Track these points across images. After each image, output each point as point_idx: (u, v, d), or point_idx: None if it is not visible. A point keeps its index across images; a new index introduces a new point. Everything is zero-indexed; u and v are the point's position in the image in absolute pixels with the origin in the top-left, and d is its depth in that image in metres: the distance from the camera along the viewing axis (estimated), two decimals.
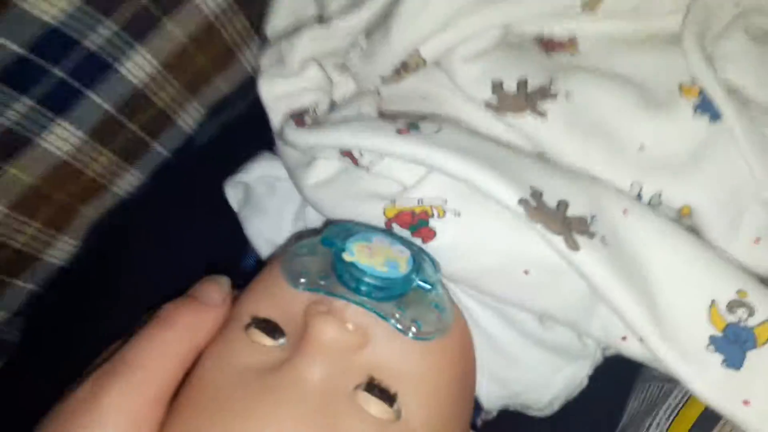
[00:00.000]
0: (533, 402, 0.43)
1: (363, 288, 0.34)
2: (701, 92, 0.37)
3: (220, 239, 0.52)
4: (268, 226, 0.48)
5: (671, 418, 0.42)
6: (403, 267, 0.35)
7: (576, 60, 0.43)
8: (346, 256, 0.35)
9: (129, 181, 0.52)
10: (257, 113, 0.54)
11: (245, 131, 0.56)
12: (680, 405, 0.42)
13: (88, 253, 0.51)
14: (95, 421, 0.31)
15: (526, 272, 0.36)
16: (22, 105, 0.44)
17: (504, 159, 0.36)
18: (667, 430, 0.41)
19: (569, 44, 0.44)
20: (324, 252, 0.37)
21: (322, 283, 0.35)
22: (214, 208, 0.52)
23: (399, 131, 0.37)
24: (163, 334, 0.34)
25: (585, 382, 0.43)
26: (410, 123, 0.38)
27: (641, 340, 0.34)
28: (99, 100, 0.46)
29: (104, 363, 0.33)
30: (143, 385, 0.32)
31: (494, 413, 0.46)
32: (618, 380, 0.48)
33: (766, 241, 0.36)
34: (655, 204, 0.38)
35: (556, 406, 0.44)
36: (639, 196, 0.38)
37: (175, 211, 0.53)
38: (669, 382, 0.45)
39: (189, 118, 0.53)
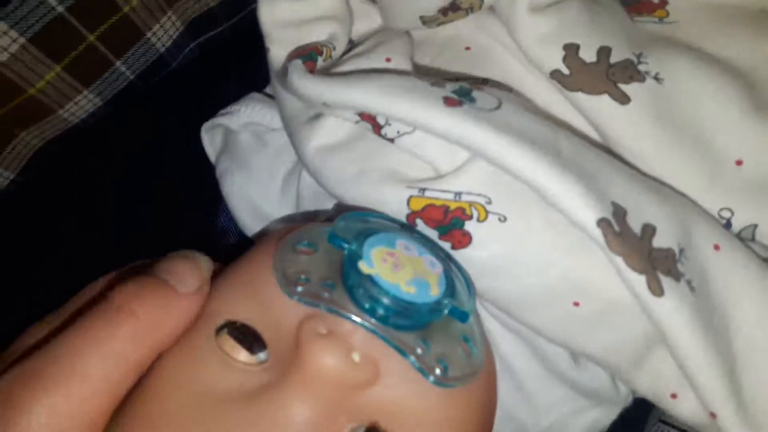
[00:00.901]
0: None
1: (380, 311, 0.26)
2: None
3: (187, 190, 0.43)
4: (251, 185, 0.39)
5: None
6: (434, 288, 0.27)
7: (667, 30, 0.34)
8: (364, 267, 0.26)
9: (83, 105, 0.41)
10: (248, 37, 0.44)
11: (231, 60, 0.46)
12: None
13: (23, 190, 0.41)
14: None
15: (576, 304, 0.29)
16: None
17: (581, 157, 0.28)
18: None
19: (659, 5, 0.34)
20: (330, 253, 0.28)
21: (326, 295, 0.26)
22: (184, 152, 0.42)
23: (446, 100, 0.28)
24: (114, 329, 0.25)
25: (606, 428, 0.36)
26: (462, 89, 0.29)
27: (713, 415, 0.27)
28: None
29: (31, 354, 0.25)
30: (79, 400, 0.24)
31: None
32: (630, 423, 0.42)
33: None
34: (746, 238, 0.30)
35: None
36: (728, 225, 0.30)
37: (137, 149, 0.43)
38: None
39: (162, 33, 0.42)
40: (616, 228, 0.26)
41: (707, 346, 0.26)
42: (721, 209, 0.30)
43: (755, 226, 0.30)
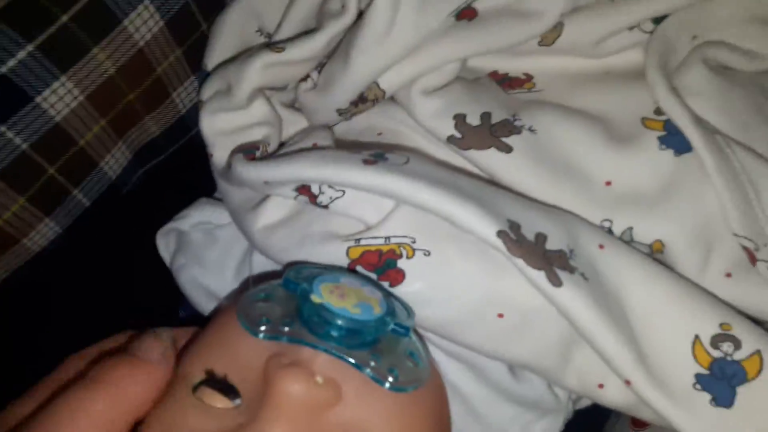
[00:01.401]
0: None
1: (334, 333, 0.31)
2: (665, 125, 0.37)
3: (149, 294, 0.46)
4: (206, 277, 0.44)
5: None
6: (377, 308, 0.32)
7: (535, 96, 0.42)
8: (315, 298, 0.31)
9: (44, 233, 0.45)
10: (189, 160, 0.51)
11: (175, 179, 0.52)
12: None
13: None
14: None
15: (500, 316, 0.34)
16: None
17: (477, 190, 0.34)
18: None
19: (525, 80, 0.43)
20: (285, 297, 0.33)
21: (286, 329, 0.31)
22: (143, 261, 0.47)
23: (365, 161, 0.34)
24: (90, 394, 0.28)
25: None
26: (376, 153, 0.36)
27: (628, 383, 0.32)
28: (11, 135, 0.41)
29: (18, 425, 0.28)
30: None
31: None
32: None
33: (737, 276, 0.35)
34: (626, 240, 0.36)
35: None
36: (610, 232, 0.37)
37: (98, 265, 0.47)
38: None
39: (114, 162, 0.48)
40: (513, 237, 0.32)
41: (608, 322, 0.31)
42: (602, 220, 0.37)
43: (631, 228, 0.36)
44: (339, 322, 0.30)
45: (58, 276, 0.46)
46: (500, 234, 0.32)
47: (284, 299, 0.33)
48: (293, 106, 0.46)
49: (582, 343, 0.34)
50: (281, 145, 0.43)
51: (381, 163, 0.34)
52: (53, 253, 0.47)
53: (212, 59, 0.45)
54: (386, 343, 0.32)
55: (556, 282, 0.31)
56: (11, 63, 0.40)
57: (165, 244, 0.46)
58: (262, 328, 0.31)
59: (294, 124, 0.44)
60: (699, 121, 0.36)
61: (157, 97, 0.49)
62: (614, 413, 0.47)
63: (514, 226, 0.33)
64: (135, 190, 0.51)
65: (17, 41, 0.39)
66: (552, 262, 0.32)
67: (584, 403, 0.42)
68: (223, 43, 0.46)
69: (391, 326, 0.32)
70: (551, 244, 0.33)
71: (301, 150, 0.39)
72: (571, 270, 0.32)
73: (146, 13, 0.45)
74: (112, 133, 0.47)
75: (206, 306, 0.44)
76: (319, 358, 0.31)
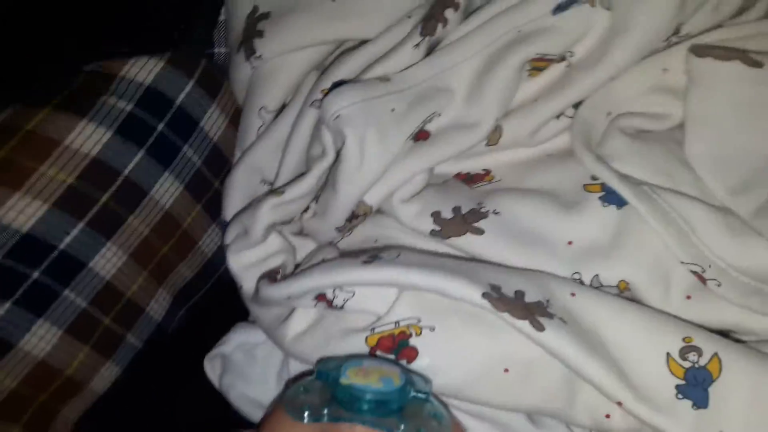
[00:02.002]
0: None
1: (365, 406, 0.37)
2: (603, 187, 0.45)
3: (208, 418, 0.52)
4: (252, 390, 0.50)
5: None
6: (396, 380, 0.38)
7: (495, 186, 0.50)
8: (343, 381, 0.38)
9: (106, 376, 0.53)
10: (221, 293, 0.58)
11: (212, 312, 0.59)
12: None
13: None
14: None
15: (506, 371, 0.40)
16: (3, 309, 0.46)
17: (459, 266, 0.42)
18: None
19: (485, 175, 0.51)
20: (320, 386, 0.39)
21: (325, 411, 0.37)
22: (195, 389, 0.53)
23: (364, 263, 0.42)
24: None
25: None
26: (372, 255, 0.44)
27: (620, 404, 0.38)
28: (73, 296, 0.49)
29: None
30: None
31: None
32: None
33: (695, 297, 0.42)
34: (596, 285, 0.43)
35: None
36: (581, 282, 0.43)
37: (156, 398, 0.53)
38: None
39: (158, 306, 0.56)
40: (496, 296, 0.39)
41: (590, 355, 0.37)
42: (573, 273, 0.43)
43: (597, 275, 0.43)
44: (367, 396, 0.37)
45: (122, 412, 0.53)
46: (485, 295, 0.38)
47: (319, 389, 0.39)
48: (301, 233, 0.54)
49: (583, 382, 0.39)
50: (296, 266, 0.51)
51: (377, 261, 0.42)
52: (117, 392, 0.53)
53: (228, 211, 0.54)
54: (411, 410, 0.38)
55: (540, 327, 0.38)
56: (67, 240, 0.49)
57: (212, 368, 0.52)
58: (306, 413, 0.37)
59: (304, 247, 0.52)
60: (625, 178, 0.44)
61: (187, 246, 0.58)
62: None
63: (495, 288, 0.39)
64: (179, 328, 0.58)
65: (71, 221, 0.49)
66: (533, 312, 0.38)
67: None
68: (234, 197, 0.54)
69: (412, 393, 0.38)
70: (529, 298, 0.40)
71: (312, 265, 0.46)
72: (550, 316, 0.39)
73: (167, 183, 0.54)
74: (153, 282, 0.55)
75: (256, 416, 0.49)
76: (356, 429, 0.37)
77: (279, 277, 0.47)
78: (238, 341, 0.52)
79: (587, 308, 0.40)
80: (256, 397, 0.50)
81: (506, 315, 0.38)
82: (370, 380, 0.38)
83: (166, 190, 0.54)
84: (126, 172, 0.52)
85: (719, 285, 0.41)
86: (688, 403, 0.37)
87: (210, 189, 0.58)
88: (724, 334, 0.40)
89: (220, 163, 0.58)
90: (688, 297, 0.42)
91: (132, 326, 0.54)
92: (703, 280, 0.42)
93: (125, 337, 0.53)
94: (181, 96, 0.55)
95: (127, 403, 0.54)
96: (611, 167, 0.44)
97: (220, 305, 0.58)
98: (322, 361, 0.41)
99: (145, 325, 0.55)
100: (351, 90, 0.45)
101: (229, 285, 0.51)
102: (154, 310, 0.56)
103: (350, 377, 0.38)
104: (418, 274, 0.40)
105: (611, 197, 0.45)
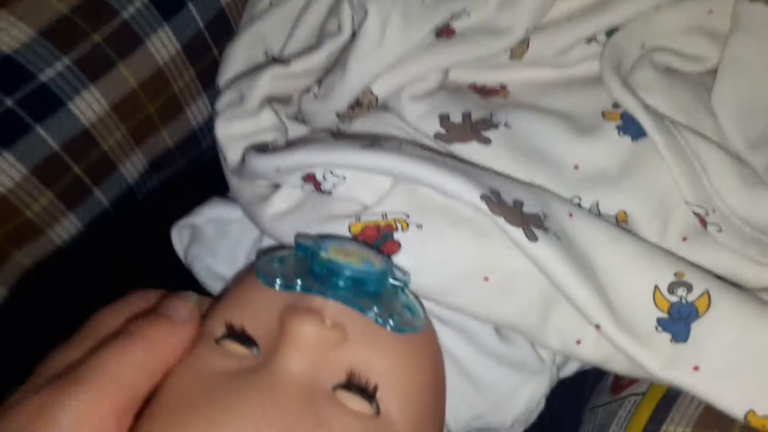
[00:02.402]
0: (498, 423, 0.43)
1: (341, 283, 0.35)
2: (622, 116, 0.43)
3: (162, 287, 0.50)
4: (219, 265, 0.48)
5: (623, 426, 0.43)
6: (378, 264, 0.36)
7: (509, 101, 0.48)
8: (323, 255, 0.36)
9: (66, 227, 0.50)
10: (201, 172, 0.56)
11: (187, 187, 0.57)
12: (630, 413, 0.44)
13: (16, 302, 0.48)
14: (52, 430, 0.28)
15: (486, 279, 0.39)
16: None
17: (461, 167, 0.40)
18: None
19: (501, 89, 0.49)
20: (297, 260, 0.37)
21: (299, 281, 0.35)
22: (158, 259, 0.51)
23: (363, 146, 0.40)
24: (131, 346, 0.32)
25: (543, 403, 0.44)
26: (371, 141, 0.41)
27: (598, 327, 0.36)
28: (46, 136, 0.46)
29: (60, 371, 0.31)
30: (109, 393, 0.29)
31: None
32: (567, 413, 0.50)
33: (692, 239, 0.41)
34: (594, 212, 0.42)
35: (517, 431, 0.44)
36: (579, 207, 0.42)
37: (115, 263, 0.51)
38: (615, 402, 0.47)
39: (132, 167, 0.53)
40: (494, 200, 0.37)
41: (578, 274, 0.36)
42: (572, 197, 0.42)
43: (597, 202, 0.42)
44: (345, 273, 0.35)
45: (77, 271, 0.50)
46: (483, 197, 0.37)
47: (295, 262, 0.37)
48: (297, 118, 0.51)
49: (560, 304, 0.38)
50: None
51: (377, 146, 0.40)
52: (73, 251, 0.51)
53: (224, 77, 0.51)
54: (387, 296, 0.36)
55: (533, 237, 0.36)
56: (50, 73, 0.45)
57: (179, 237, 0.50)
58: (278, 280, 0.35)
59: (298, 132, 0.50)
60: (649, 109, 0.42)
61: (173, 111, 0.54)
62: (595, 389, 0.51)
63: (495, 193, 0.38)
64: (149, 196, 0.55)
65: (56, 54, 0.45)
66: (528, 221, 0.37)
67: (567, 371, 0.46)
68: (233, 65, 0.51)
69: (391, 280, 0.36)
70: (527, 209, 0.38)
71: (307, 142, 0.44)
72: (546, 230, 0.37)
73: (164, 37, 0.51)
74: (131, 140, 0.52)
75: (218, 289, 0.48)
76: (328, 304, 0.35)
77: (269, 150, 0.45)
78: (212, 215, 0.49)
79: (582, 231, 0.39)
80: (222, 273, 0.47)
81: (501, 220, 0.36)
82: (351, 259, 0.36)
83: (163, 44, 0.51)
84: (125, 14, 0.48)
85: (720, 230, 0.40)
86: (666, 336, 0.36)
87: (208, 55, 0.55)
88: None
89: (223, 30, 0.55)
90: (684, 239, 0.41)
91: (101, 182, 0.51)
92: (704, 224, 0.41)
93: (93, 191, 0.51)
94: None
95: (83, 262, 0.51)
96: (637, 95, 0.43)
97: (197, 183, 0.55)
98: (301, 236, 0.39)
99: (115, 184, 0.52)
100: None
101: (210, 163, 0.49)
102: (127, 170, 0.53)
103: (330, 253, 0.36)
104: (418, 165, 0.38)
105: (629, 128, 0.43)
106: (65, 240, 0.50)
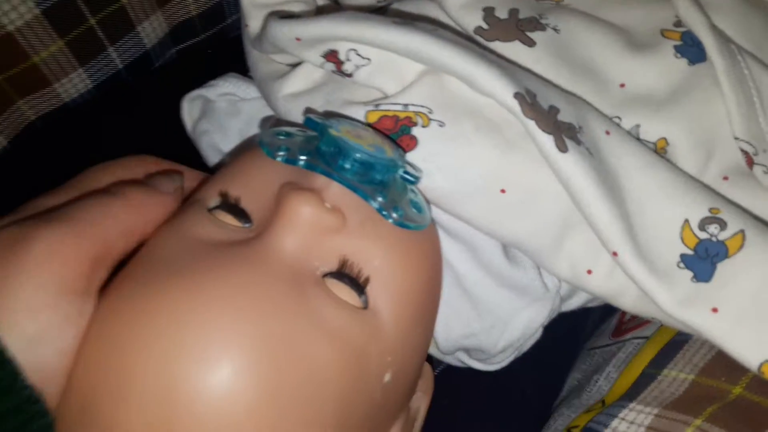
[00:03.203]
0: (488, 346, 0.41)
1: (347, 165, 0.32)
2: (682, 36, 0.39)
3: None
4: (226, 144, 0.46)
5: (621, 367, 0.41)
6: (390, 152, 0.33)
7: (563, 5, 0.44)
8: (333, 131, 0.33)
9: (75, 83, 0.47)
10: (223, 47, 0.52)
11: (206, 63, 0.54)
12: (630, 356, 0.42)
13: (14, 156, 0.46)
14: (24, 265, 0.26)
15: (503, 191, 0.36)
16: None
17: (499, 62, 0.36)
18: (618, 377, 0.41)
19: None
20: (305, 137, 0.34)
21: (303, 157, 0.33)
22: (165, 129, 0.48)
23: (395, 22, 0.36)
24: (111, 201, 0.30)
25: (539, 333, 0.42)
26: (405, 20, 0.38)
27: (615, 254, 0.34)
28: None
29: (41, 212, 0.29)
30: (83, 236, 0.28)
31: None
32: (563, 351, 0.48)
33: (733, 179, 0.37)
34: (633, 135, 0.38)
35: (506, 357, 0.42)
36: (618, 126, 0.38)
37: (119, 134, 0.49)
38: (615, 344, 0.45)
39: (150, 29, 0.50)
40: (529, 101, 0.34)
41: (604, 194, 0.33)
42: (613, 117, 0.38)
43: (638, 125, 0.38)
44: (354, 154, 0.32)
45: (85, 132, 0.48)
46: (517, 95, 0.33)
47: (303, 138, 0.34)
48: None
49: (578, 228, 0.35)
50: None
51: (408, 25, 0.36)
52: (82, 108, 0.49)
53: None
54: (394, 188, 0.34)
55: (563, 148, 0.33)
56: None
57: (189, 109, 0.47)
58: (281, 153, 0.32)
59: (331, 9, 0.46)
60: (715, 29, 0.38)
61: None
62: (595, 331, 0.49)
63: (530, 94, 0.34)
64: (166, 65, 0.52)
65: None
66: (561, 130, 0.34)
67: (571, 305, 0.43)
68: None
69: (401, 171, 0.34)
70: (563, 117, 0.35)
71: (334, 13, 0.40)
72: (579, 142, 0.34)
73: None
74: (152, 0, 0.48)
75: None
76: (330, 186, 0.32)
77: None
78: (226, 89, 0.47)
79: (617, 151, 0.36)
80: (229, 152, 0.45)
81: (532, 124, 0.33)
82: (362, 142, 0.33)
83: None
84: None
85: (767, 173, 0.36)
86: (688, 274, 0.33)
87: None
88: None
89: None
90: (725, 178, 0.38)
91: (118, 40, 0.48)
92: (750, 163, 0.37)
93: (107, 49, 0.48)
94: None
95: (91, 123, 0.49)
96: (704, 12, 0.38)
97: (216, 57, 0.52)
98: (312, 113, 0.36)
99: (132, 45, 0.49)
100: None
101: (234, 41, 0.45)
102: (146, 32, 0.50)
103: (341, 132, 0.33)
104: (451, 51, 0.34)
105: (688, 50, 0.39)
106: (73, 97, 0.48)
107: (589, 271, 0.36)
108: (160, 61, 0.53)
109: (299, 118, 0.39)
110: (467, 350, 0.43)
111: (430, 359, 0.44)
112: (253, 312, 0.28)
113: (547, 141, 0.33)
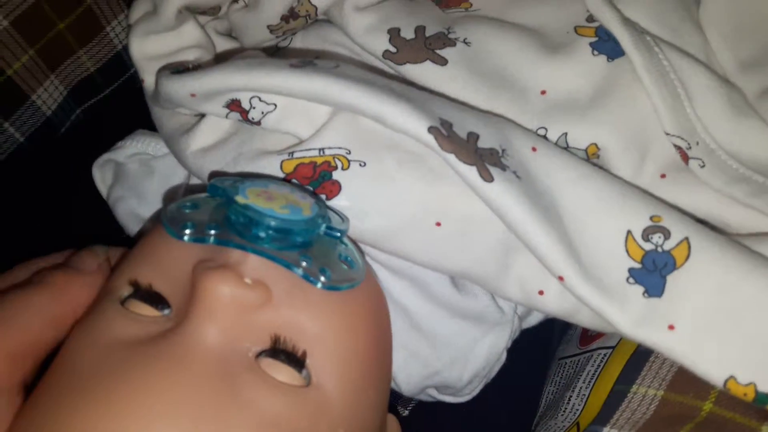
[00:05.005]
0: (454, 380, 0.39)
1: (261, 234, 0.30)
2: (597, 31, 0.37)
3: (88, 228, 0.45)
4: (144, 209, 0.43)
5: (591, 383, 0.40)
6: (306, 211, 0.31)
7: (471, 14, 0.42)
8: (239, 199, 0.30)
9: None
10: (128, 100, 0.49)
11: (115, 119, 0.50)
12: (599, 369, 0.40)
13: None
14: None
15: (438, 224, 0.34)
16: None
17: (408, 92, 0.34)
18: (589, 395, 0.39)
19: (463, 0, 0.43)
20: (214, 206, 0.32)
21: (212, 232, 0.30)
22: (80, 197, 0.45)
23: (292, 65, 0.34)
24: (33, 291, 0.30)
25: (504, 357, 0.40)
26: (304, 61, 0.35)
27: (561, 279, 0.32)
28: None
29: None
30: (2, 333, 0.28)
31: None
32: (533, 366, 0.46)
33: (671, 176, 0.36)
34: (562, 145, 0.36)
35: (475, 388, 0.40)
36: (546, 139, 0.37)
37: (35, 201, 0.46)
38: (584, 354, 0.43)
39: (47, 96, 0.47)
40: (445, 133, 0.31)
41: (539, 218, 0.31)
42: (538, 128, 0.36)
43: (566, 134, 0.36)
44: (266, 221, 0.30)
45: None
46: (431, 129, 0.31)
47: (212, 208, 0.32)
48: (230, 35, 0.45)
49: (521, 250, 0.33)
50: None
51: (309, 67, 0.34)
52: None
53: None
54: (319, 247, 0.31)
55: (488, 177, 0.31)
56: None
57: (101, 176, 0.44)
58: (187, 231, 0.30)
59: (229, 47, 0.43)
60: (628, 22, 0.36)
61: (89, 29, 0.47)
62: (563, 338, 0.47)
63: (446, 124, 0.32)
64: (73, 129, 0.49)
65: None
66: (484, 158, 0.32)
67: (531, 321, 0.42)
68: None
69: (323, 228, 0.31)
70: (483, 143, 0.33)
71: (228, 62, 0.38)
72: (503, 167, 0.32)
73: None
74: (41, 64, 0.45)
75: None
76: (247, 259, 0.30)
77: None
78: (135, 149, 0.44)
79: (547, 167, 0.34)
80: (146, 217, 0.42)
81: (452, 157, 0.31)
82: (273, 205, 0.31)
83: None
84: None
85: (703, 166, 0.35)
86: (639, 289, 0.32)
87: None
88: None
89: None
90: (663, 176, 0.36)
91: (12, 114, 0.45)
92: (685, 158, 0.36)
93: (3, 125, 0.44)
94: None
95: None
96: (614, 6, 0.36)
97: (125, 110, 0.49)
98: (218, 176, 0.34)
99: (29, 116, 0.46)
100: None
101: (140, 90, 0.42)
102: (42, 100, 0.46)
103: (249, 197, 0.31)
104: (355, 90, 0.32)
105: (604, 45, 0.37)
106: None
107: (541, 292, 0.34)
108: (65, 125, 0.49)
109: (212, 172, 0.37)
110: (435, 387, 0.41)
111: (400, 397, 0.42)
112: (180, 420, 0.26)
113: (469, 173, 0.31)
